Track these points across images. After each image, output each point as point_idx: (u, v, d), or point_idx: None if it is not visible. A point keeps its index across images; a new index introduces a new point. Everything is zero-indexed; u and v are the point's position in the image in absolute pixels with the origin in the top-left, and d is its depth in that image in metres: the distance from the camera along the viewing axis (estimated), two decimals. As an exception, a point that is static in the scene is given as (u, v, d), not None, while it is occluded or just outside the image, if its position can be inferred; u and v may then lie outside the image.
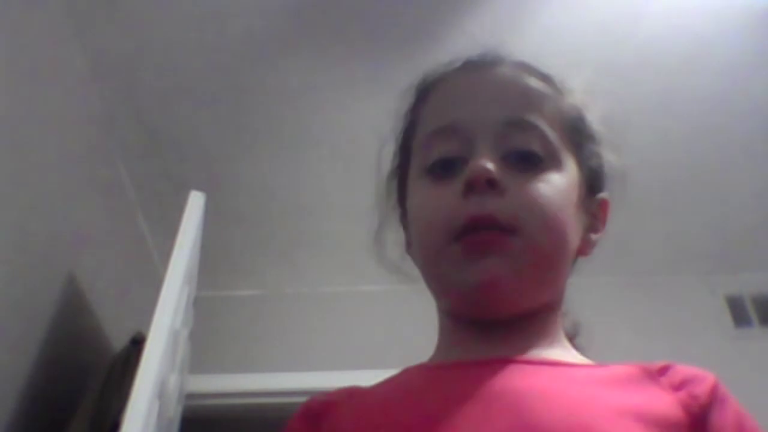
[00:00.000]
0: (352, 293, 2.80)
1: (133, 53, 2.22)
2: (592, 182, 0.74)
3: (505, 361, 0.64)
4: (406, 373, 0.71)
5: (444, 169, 0.70)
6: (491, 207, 0.65)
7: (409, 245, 0.78)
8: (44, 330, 1.91)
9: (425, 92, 0.78)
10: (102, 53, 2.22)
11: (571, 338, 0.73)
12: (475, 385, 0.62)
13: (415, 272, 0.76)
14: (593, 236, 0.74)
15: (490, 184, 0.66)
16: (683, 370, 0.64)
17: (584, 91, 0.77)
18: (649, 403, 0.60)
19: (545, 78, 0.75)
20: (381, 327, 2.70)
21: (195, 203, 1.92)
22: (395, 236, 0.81)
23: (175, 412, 1.92)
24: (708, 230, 2.63)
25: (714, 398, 0.61)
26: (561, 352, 0.69)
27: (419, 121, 0.77)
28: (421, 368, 0.71)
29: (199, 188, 1.99)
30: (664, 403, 0.60)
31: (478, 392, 0.61)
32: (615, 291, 2.50)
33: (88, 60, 2.21)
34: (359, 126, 2.40)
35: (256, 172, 2.53)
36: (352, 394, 0.71)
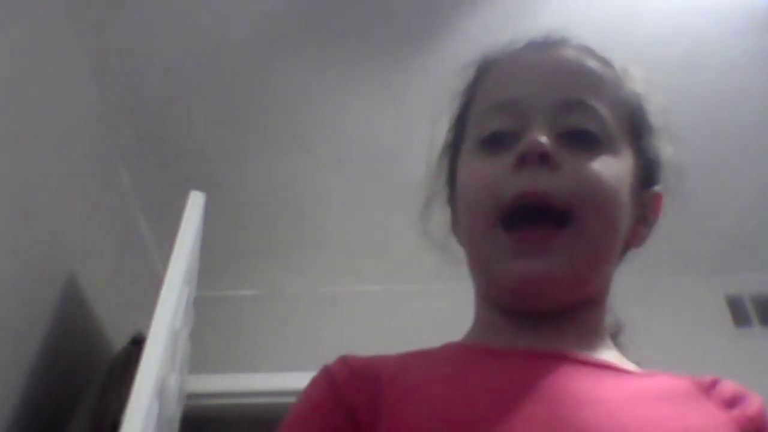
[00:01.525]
0: (352, 293, 2.80)
1: (133, 53, 2.22)
2: (647, 174, 0.72)
3: (562, 358, 0.62)
4: (454, 350, 0.68)
5: (496, 143, 0.67)
6: (543, 184, 0.63)
7: (455, 224, 0.74)
8: (44, 330, 1.91)
9: (484, 70, 0.75)
10: (102, 53, 2.22)
11: (614, 335, 0.72)
12: (541, 384, 0.60)
13: (459, 253, 0.72)
14: (644, 229, 0.72)
15: (543, 158, 0.63)
16: (731, 386, 0.63)
17: (646, 82, 0.75)
18: (706, 422, 0.60)
19: (607, 63, 0.73)
20: (381, 327, 2.70)
21: (195, 203, 1.92)
22: (441, 216, 0.77)
23: (175, 412, 1.92)
24: (708, 230, 2.63)
25: (764, 420, 0.61)
26: (608, 352, 0.67)
27: (476, 98, 0.75)
28: (468, 349, 0.68)
29: (199, 188, 1.99)
30: (720, 422, 0.60)
31: (545, 392, 0.59)
32: (615, 291, 2.50)
33: (88, 60, 2.21)
34: (359, 126, 2.40)
35: (256, 172, 2.53)
36: (399, 363, 0.66)
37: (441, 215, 0.76)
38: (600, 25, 2.12)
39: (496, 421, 0.57)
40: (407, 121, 2.37)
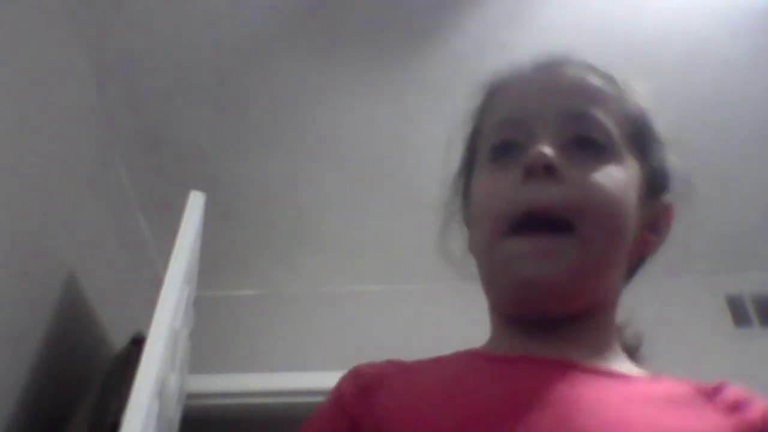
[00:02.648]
0: (352, 293, 2.80)
1: (133, 53, 2.22)
2: (655, 183, 0.74)
3: (567, 366, 0.64)
4: (464, 357, 0.71)
5: (505, 155, 0.70)
6: (548, 196, 0.65)
7: (470, 243, 0.77)
8: (44, 330, 1.91)
9: (492, 93, 0.79)
10: (102, 53, 2.22)
11: (634, 350, 0.73)
12: (541, 390, 0.61)
13: (475, 271, 0.74)
14: (655, 237, 0.74)
15: (549, 170, 0.65)
16: (735, 392, 0.64)
17: (648, 97, 0.77)
18: (703, 427, 0.60)
19: (610, 78, 0.75)
20: (381, 327, 2.70)
21: (195, 203, 1.92)
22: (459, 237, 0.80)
23: (175, 412, 1.93)
24: (708, 230, 2.63)
25: (766, 424, 0.61)
26: (615, 360, 0.69)
27: (485, 120, 0.77)
28: (479, 355, 0.71)
29: (199, 188, 1.99)
30: (719, 427, 0.60)
31: (545, 399, 0.60)
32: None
33: (88, 60, 2.21)
34: (359, 126, 2.40)
35: (256, 172, 2.53)
36: (405, 367, 0.71)
37: (458, 236, 0.79)
38: (600, 24, 2.13)
39: (494, 427, 0.59)
40: (407, 121, 2.37)
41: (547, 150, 0.66)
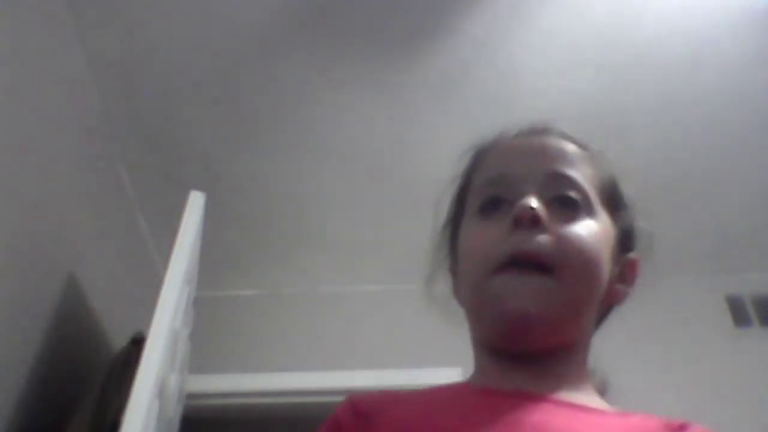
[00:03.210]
0: (352, 293, 2.80)
1: (132, 53, 2.22)
2: (624, 240, 0.82)
3: (538, 398, 0.70)
4: (454, 389, 0.78)
5: (493, 209, 0.78)
6: (536, 243, 0.72)
7: (456, 291, 0.85)
8: (44, 330, 1.91)
9: (480, 154, 0.87)
10: (102, 53, 2.22)
11: (603, 392, 0.79)
12: (520, 420, 0.67)
13: (460, 315, 0.82)
14: (622, 287, 0.81)
15: (535, 220, 0.73)
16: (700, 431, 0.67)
17: (617, 166, 0.85)
18: None
19: (584, 145, 0.84)
20: (381, 327, 2.70)
21: (195, 203, 1.92)
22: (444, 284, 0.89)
23: (175, 412, 1.93)
24: (708, 230, 2.63)
25: None
26: (588, 396, 0.74)
27: (473, 179, 0.85)
28: (467, 387, 0.77)
29: (199, 188, 1.99)
30: None
31: (515, 423, 0.67)
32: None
33: (88, 60, 2.21)
34: (359, 126, 2.40)
35: (256, 172, 2.53)
36: (399, 399, 0.77)
37: (444, 283, 0.88)
38: (600, 25, 2.13)
39: None
40: (407, 121, 2.38)
41: (534, 203, 0.74)
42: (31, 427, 1.82)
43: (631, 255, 0.82)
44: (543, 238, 0.73)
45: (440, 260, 0.89)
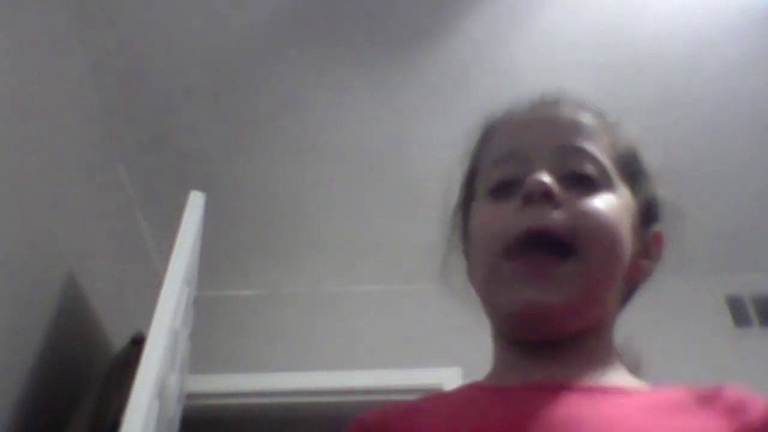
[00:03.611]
0: (352, 293, 2.80)
1: (133, 53, 2.23)
2: (646, 213, 0.77)
3: (564, 388, 0.65)
4: (465, 392, 0.73)
5: (503, 190, 0.73)
6: (547, 219, 0.68)
7: (470, 275, 0.79)
8: (44, 330, 1.91)
9: (488, 132, 0.82)
10: (102, 53, 2.22)
11: (635, 368, 0.75)
12: (537, 414, 0.63)
13: (469, 311, 0.77)
14: (648, 263, 0.76)
15: (547, 196, 0.68)
16: (735, 393, 0.64)
17: (638, 133, 0.80)
18: (705, 431, 0.61)
19: (601, 115, 0.79)
20: (381, 327, 2.70)
21: (195, 203, 1.92)
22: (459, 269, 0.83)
23: (175, 412, 1.93)
24: (708, 230, 2.63)
25: (766, 424, 0.62)
26: (615, 375, 0.70)
27: (482, 158, 0.81)
28: (480, 389, 0.73)
29: (199, 188, 1.99)
30: (720, 430, 0.61)
31: (541, 422, 0.62)
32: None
33: (88, 60, 2.21)
34: (359, 126, 2.40)
35: (256, 172, 2.53)
36: (409, 411, 0.72)
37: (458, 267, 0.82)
38: (600, 25, 2.13)
39: None
40: (407, 120, 2.38)
41: (545, 177, 0.69)
42: (31, 427, 1.82)
43: (655, 228, 0.78)
44: (557, 213, 0.68)
45: (453, 244, 0.84)
